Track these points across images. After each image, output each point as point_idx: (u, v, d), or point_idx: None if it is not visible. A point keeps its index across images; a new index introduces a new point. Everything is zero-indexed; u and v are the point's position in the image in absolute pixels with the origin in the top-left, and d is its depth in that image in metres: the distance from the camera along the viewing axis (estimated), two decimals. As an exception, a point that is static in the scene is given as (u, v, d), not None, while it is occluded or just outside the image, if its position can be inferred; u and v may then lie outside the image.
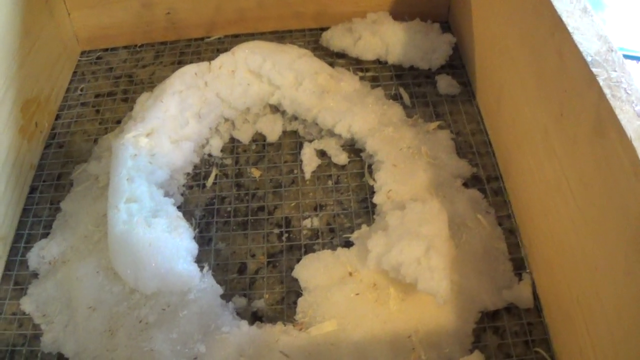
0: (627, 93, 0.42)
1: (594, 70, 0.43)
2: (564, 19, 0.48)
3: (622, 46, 0.88)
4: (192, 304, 0.55)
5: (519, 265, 0.60)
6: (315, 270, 0.58)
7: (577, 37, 0.46)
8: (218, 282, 0.59)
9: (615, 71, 0.43)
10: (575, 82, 0.46)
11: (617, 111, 0.40)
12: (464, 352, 0.53)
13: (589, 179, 0.45)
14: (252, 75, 0.74)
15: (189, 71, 0.73)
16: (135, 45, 0.88)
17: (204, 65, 0.74)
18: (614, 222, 0.41)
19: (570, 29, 0.47)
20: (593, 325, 0.45)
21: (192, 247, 0.59)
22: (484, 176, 0.67)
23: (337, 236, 0.64)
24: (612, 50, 0.45)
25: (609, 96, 0.41)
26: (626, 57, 0.87)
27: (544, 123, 0.53)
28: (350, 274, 0.57)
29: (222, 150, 0.73)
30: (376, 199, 0.64)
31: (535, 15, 0.54)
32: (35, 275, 0.62)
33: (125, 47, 0.88)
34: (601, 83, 0.42)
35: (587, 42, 0.46)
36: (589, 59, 0.44)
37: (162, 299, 0.56)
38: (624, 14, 0.94)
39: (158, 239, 0.56)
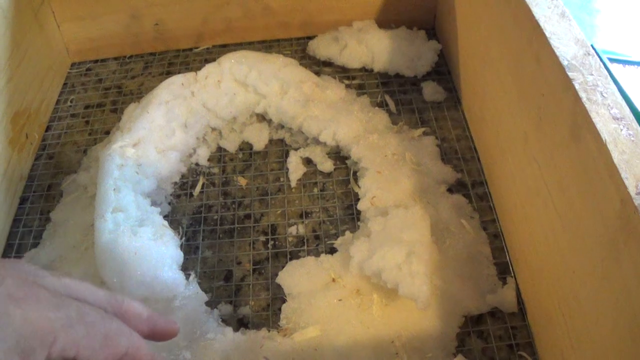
0: (603, 96, 0.42)
1: (570, 74, 0.43)
2: (542, 24, 0.48)
3: (612, 50, 0.89)
4: (178, 310, 0.55)
5: (504, 270, 0.59)
6: (298, 277, 0.58)
7: (554, 42, 0.47)
8: (204, 289, 0.59)
9: (592, 75, 0.43)
10: (553, 87, 0.46)
11: (593, 114, 0.40)
12: (447, 356, 0.53)
13: (567, 184, 0.45)
14: (238, 84, 0.75)
15: (175, 82, 0.73)
16: (125, 57, 0.89)
17: (190, 75, 0.75)
18: (591, 225, 0.41)
19: (547, 34, 0.47)
20: (573, 329, 0.45)
21: (177, 255, 0.60)
22: (469, 182, 0.68)
23: (322, 243, 0.64)
24: (589, 54, 0.45)
25: (584, 100, 0.41)
26: (614, 60, 0.88)
27: (523, 128, 0.53)
28: (334, 280, 0.57)
29: (209, 159, 0.73)
30: (360, 206, 0.64)
31: (515, 22, 0.54)
32: (24, 284, 0.62)
33: (114, 59, 0.89)
34: (577, 87, 0.42)
35: (564, 46, 0.46)
36: (565, 63, 0.44)
37: (148, 306, 0.56)
38: (615, 19, 0.95)
39: (143, 247, 0.56)
